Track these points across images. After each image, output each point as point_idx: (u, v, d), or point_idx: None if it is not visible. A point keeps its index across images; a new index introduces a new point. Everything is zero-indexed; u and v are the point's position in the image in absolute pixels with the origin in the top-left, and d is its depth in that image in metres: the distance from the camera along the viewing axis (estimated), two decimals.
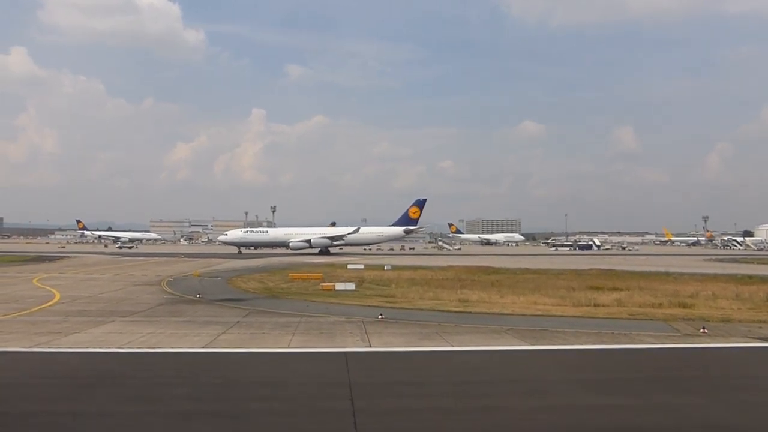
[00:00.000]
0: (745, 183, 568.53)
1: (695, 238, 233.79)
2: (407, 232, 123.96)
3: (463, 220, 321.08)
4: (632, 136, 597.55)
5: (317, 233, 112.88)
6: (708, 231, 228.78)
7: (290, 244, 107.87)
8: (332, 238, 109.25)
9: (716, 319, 26.06)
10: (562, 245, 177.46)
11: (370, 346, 19.93)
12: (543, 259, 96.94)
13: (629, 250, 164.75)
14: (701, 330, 22.94)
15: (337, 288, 37.66)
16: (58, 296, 34.15)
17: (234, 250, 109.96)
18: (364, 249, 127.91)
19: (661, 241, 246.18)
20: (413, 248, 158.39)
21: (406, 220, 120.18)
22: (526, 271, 58.70)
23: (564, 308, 29.66)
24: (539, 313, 28.04)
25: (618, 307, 30.12)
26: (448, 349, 19.61)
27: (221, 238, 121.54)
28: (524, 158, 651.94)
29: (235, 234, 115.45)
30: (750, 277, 50.89)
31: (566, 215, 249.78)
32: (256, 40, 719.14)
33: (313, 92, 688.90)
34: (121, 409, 12.58)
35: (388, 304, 30.63)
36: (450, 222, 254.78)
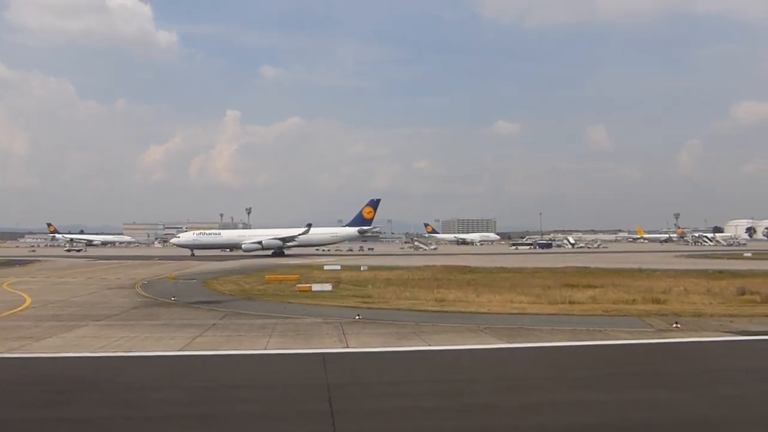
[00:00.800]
0: (715, 180, 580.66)
1: (667, 235, 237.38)
2: (361, 232, 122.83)
3: (438, 220, 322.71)
4: (606, 135, 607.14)
5: (269, 234, 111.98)
6: (679, 228, 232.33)
7: (243, 245, 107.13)
8: (283, 239, 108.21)
9: (688, 314, 26.49)
10: (522, 244, 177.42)
11: (348, 347, 19.89)
12: (518, 257, 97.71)
13: (603, 247, 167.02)
14: (674, 325, 23.31)
15: (313, 289, 37.50)
16: (28, 301, 33.52)
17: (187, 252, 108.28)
18: (316, 249, 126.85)
19: (634, 239, 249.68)
20: (372, 248, 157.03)
21: (360, 220, 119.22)
22: (502, 269, 59.08)
23: (540, 306, 29.90)
24: (515, 311, 28.22)
25: (593, 304, 30.44)
26: (425, 349, 19.64)
27: (173, 240, 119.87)
28: (500, 157, 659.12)
29: (187, 236, 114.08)
30: (720, 272, 51.82)
31: (540, 214, 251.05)
32: (230, 41, 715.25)
33: (288, 93, 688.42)
34: (97, 414, 12.38)
35: (365, 305, 30.59)
36: (426, 222, 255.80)
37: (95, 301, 34.02)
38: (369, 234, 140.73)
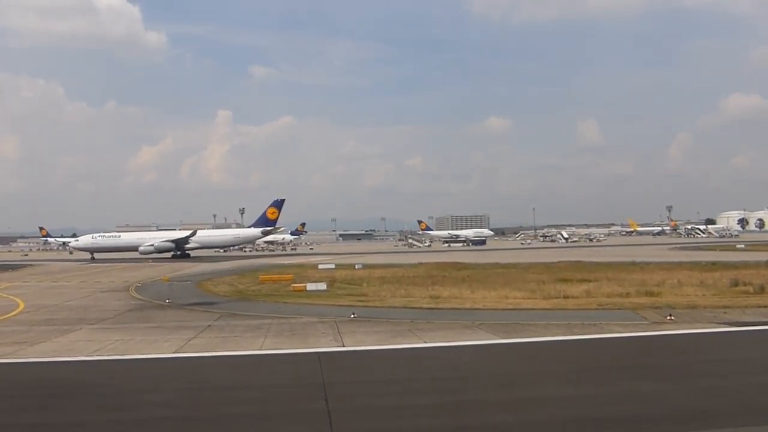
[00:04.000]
0: (706, 172, 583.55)
1: (660, 228, 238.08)
2: (265, 233, 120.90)
3: (432, 217, 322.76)
4: (596, 130, 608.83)
5: (164, 237, 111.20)
6: (672, 220, 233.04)
7: (139, 249, 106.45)
8: (176, 242, 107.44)
9: (682, 306, 26.62)
10: (455, 241, 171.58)
11: (343, 346, 19.88)
12: (512, 253, 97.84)
13: (597, 241, 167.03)
14: (668, 317, 23.42)
15: (308, 288, 37.45)
16: (22, 305, 33.36)
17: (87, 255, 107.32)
18: (244, 250, 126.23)
19: (627, 232, 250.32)
20: (295, 248, 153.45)
21: (264, 221, 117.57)
22: (496, 265, 59.14)
23: (534, 301, 29.97)
24: (510, 307, 28.29)
25: (587, 298, 30.56)
26: (421, 346, 19.65)
27: (72, 244, 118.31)
28: (492, 154, 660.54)
29: (86, 240, 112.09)
30: (713, 264, 52.08)
31: (533, 209, 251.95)
32: (219, 42, 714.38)
33: (279, 92, 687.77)
34: (92, 418, 12.35)
35: (360, 303, 30.58)
36: (419, 219, 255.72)
37: (89, 304, 33.89)
38: (363, 233, 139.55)
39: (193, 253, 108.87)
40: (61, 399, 13.94)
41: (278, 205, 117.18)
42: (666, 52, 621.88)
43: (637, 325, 22.51)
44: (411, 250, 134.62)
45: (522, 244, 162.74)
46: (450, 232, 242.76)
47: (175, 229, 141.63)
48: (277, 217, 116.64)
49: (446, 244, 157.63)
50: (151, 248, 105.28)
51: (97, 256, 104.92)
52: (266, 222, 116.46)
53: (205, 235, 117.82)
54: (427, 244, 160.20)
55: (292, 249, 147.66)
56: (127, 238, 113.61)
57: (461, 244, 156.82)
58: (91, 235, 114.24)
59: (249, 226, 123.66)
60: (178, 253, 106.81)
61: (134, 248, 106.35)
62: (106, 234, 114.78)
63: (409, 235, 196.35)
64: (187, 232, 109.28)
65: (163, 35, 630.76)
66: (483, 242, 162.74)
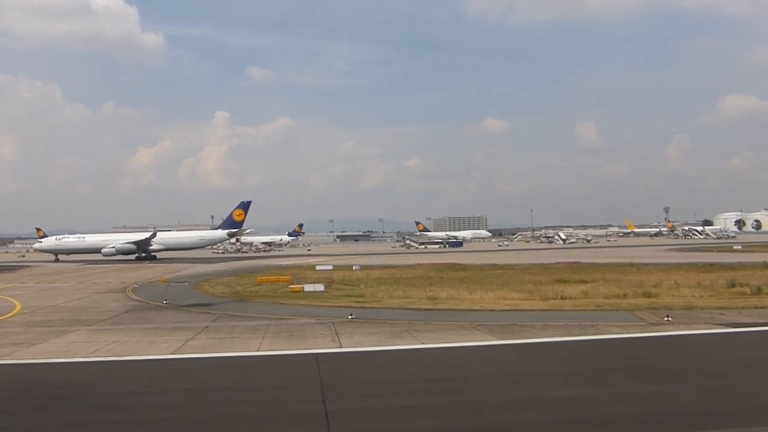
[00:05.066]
0: (703, 174, 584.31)
1: (657, 229, 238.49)
2: (231, 235, 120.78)
3: (430, 218, 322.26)
4: (594, 131, 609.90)
5: (127, 239, 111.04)
6: (669, 221, 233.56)
7: (102, 251, 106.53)
8: (137, 243, 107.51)
9: (679, 307, 26.68)
10: (432, 243, 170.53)
11: (341, 347, 19.87)
12: (509, 254, 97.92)
13: (594, 242, 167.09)
14: (665, 318, 23.45)
15: (306, 289, 37.46)
16: (19, 306, 33.29)
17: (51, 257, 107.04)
18: (213, 252, 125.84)
19: (624, 233, 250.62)
20: (247, 251, 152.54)
21: (230, 222, 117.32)
22: (494, 266, 59.20)
23: (532, 302, 30.00)
24: (508, 307, 28.31)
25: (584, 299, 30.59)
26: (419, 347, 19.65)
27: (36, 246, 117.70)
28: (490, 155, 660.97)
29: (50, 241, 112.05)
30: (710, 265, 52.20)
31: (531, 210, 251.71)
32: (217, 43, 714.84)
33: (277, 93, 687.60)
34: (89, 419, 12.31)
35: (357, 304, 30.58)
36: (417, 220, 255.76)
37: (86, 305, 33.82)
38: (361, 235, 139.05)
39: (174, 255, 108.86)
40: (58, 400, 13.89)
41: (245, 206, 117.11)
42: (663, 53, 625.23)
43: (634, 326, 22.53)
44: (408, 251, 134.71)
45: (499, 246, 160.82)
46: (447, 233, 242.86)
47: (171, 230, 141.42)
48: (244, 219, 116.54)
49: (422, 246, 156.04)
50: (113, 250, 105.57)
51: (61, 257, 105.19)
52: (232, 224, 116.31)
53: (170, 236, 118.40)
54: (422, 246, 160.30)
55: (289, 246, 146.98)
56: (91, 240, 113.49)
57: (437, 246, 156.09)
58: (55, 237, 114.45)
59: (216, 228, 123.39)
60: (143, 254, 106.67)
61: (98, 250, 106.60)
62: (71, 236, 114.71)
63: (407, 237, 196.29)
64: (147, 234, 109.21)
65: (160, 36, 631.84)
66: (460, 244, 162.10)
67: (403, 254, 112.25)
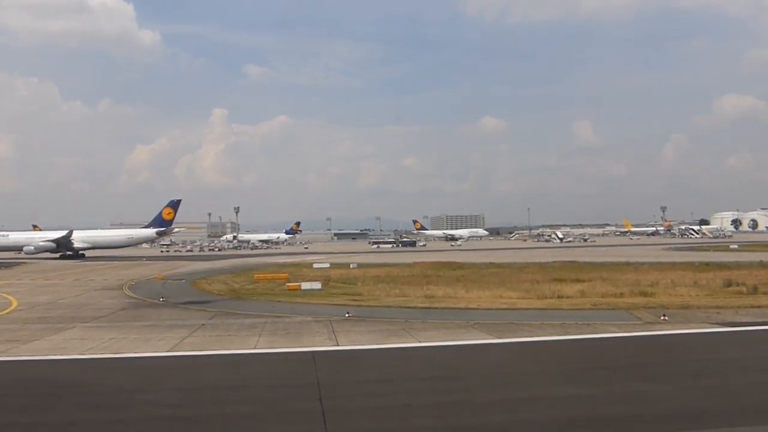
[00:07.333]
0: (700, 173, 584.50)
1: (654, 228, 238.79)
2: (159, 234, 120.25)
3: (427, 217, 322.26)
4: (592, 131, 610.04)
5: (47, 237, 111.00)
6: (666, 221, 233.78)
7: (24, 249, 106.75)
8: (56, 241, 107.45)
9: (676, 307, 26.72)
10: (385, 242, 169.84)
11: (338, 345, 19.87)
12: (506, 253, 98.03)
13: (591, 241, 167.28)
14: (662, 317, 23.51)
15: (303, 287, 37.40)
16: (15, 303, 33.24)
17: None
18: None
19: (621, 232, 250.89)
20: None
21: (159, 221, 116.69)
22: (491, 265, 59.19)
23: (529, 301, 30.03)
24: (505, 306, 28.34)
25: (581, 298, 30.62)
26: (415, 346, 19.66)
27: None
28: (487, 154, 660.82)
29: None
30: (707, 264, 52.23)
31: (529, 209, 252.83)
32: (214, 41, 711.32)
33: (275, 92, 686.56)
34: (85, 417, 12.29)
35: (354, 302, 30.59)
36: (415, 219, 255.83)
37: (82, 302, 33.78)
38: (359, 233, 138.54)
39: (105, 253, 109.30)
40: (54, 398, 13.86)
41: (174, 205, 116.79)
42: (660, 53, 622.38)
43: (631, 325, 22.58)
44: (405, 249, 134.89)
45: (452, 246, 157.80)
46: (445, 231, 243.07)
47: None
48: (173, 218, 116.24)
49: (375, 245, 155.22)
50: (33, 248, 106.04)
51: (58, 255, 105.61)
52: (161, 222, 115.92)
53: (97, 235, 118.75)
54: (422, 244, 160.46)
55: (287, 244, 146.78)
56: (15, 237, 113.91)
57: (390, 246, 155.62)
58: None
59: (144, 227, 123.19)
60: (68, 252, 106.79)
61: (20, 248, 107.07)
62: None
63: (404, 235, 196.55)
64: (65, 232, 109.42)
65: (157, 34, 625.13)
66: (413, 244, 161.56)
67: (400, 252, 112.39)
